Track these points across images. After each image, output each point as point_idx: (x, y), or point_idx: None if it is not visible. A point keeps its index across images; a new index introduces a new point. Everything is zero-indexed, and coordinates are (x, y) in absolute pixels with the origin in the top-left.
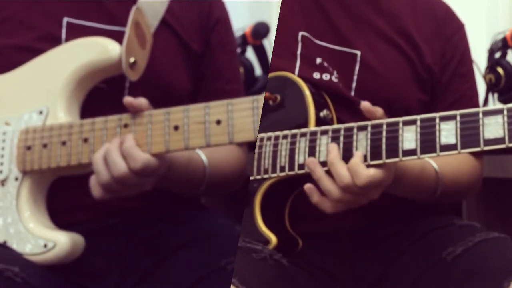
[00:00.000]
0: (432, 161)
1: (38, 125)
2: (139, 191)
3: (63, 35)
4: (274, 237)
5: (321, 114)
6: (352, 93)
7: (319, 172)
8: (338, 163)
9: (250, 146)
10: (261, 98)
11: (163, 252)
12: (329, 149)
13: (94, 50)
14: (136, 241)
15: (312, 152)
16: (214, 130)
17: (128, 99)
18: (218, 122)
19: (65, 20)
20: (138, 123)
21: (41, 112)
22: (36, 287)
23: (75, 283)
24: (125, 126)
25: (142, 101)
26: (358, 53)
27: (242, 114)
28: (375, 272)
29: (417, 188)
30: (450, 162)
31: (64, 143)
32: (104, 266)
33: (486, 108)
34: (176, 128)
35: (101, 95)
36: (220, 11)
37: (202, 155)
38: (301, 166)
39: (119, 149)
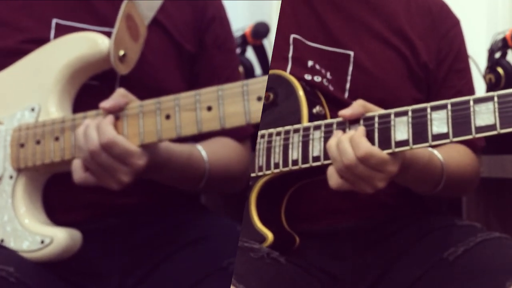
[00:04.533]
0: (437, 153)
1: (31, 122)
2: (116, 181)
3: (52, 37)
4: (270, 234)
5: (314, 110)
6: (346, 94)
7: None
8: (346, 141)
9: (252, 147)
10: (251, 82)
11: (164, 253)
12: (334, 133)
13: (84, 45)
14: (137, 242)
15: (305, 147)
16: (205, 117)
17: (102, 105)
18: (209, 108)
19: (54, 21)
20: (130, 115)
21: (33, 109)
22: (31, 287)
23: (75, 283)
24: (117, 118)
25: (117, 98)
26: (351, 53)
27: (233, 99)
28: (374, 271)
29: (423, 178)
30: (453, 156)
31: (57, 138)
32: (104, 266)
33: (476, 96)
34: (167, 117)
35: (93, 93)
36: (215, 9)
37: (203, 151)
38: (295, 162)
39: (96, 124)
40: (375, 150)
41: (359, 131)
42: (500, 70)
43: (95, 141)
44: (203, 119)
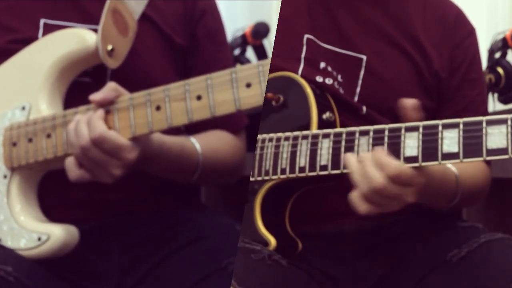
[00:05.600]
0: (451, 166)
1: (22, 121)
2: (108, 174)
3: (40, 37)
4: (273, 239)
5: (324, 116)
6: (356, 98)
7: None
8: (370, 165)
9: (249, 146)
10: (239, 69)
11: (163, 252)
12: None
13: (72, 41)
14: (135, 241)
15: (313, 155)
16: (195, 106)
17: (92, 97)
18: (199, 97)
19: (42, 21)
20: (120, 108)
21: (23, 108)
22: (29, 286)
23: (73, 282)
24: (108, 112)
25: (107, 92)
26: (364, 57)
27: (222, 87)
28: (376, 273)
29: (439, 194)
30: (466, 167)
31: (49, 135)
32: (102, 265)
33: (490, 117)
34: (158, 108)
35: (85, 90)
36: (205, 2)
37: (196, 143)
38: (302, 169)
39: (86, 119)
40: (403, 167)
41: (380, 149)
42: (500, 70)
43: (86, 136)
44: (193, 109)
